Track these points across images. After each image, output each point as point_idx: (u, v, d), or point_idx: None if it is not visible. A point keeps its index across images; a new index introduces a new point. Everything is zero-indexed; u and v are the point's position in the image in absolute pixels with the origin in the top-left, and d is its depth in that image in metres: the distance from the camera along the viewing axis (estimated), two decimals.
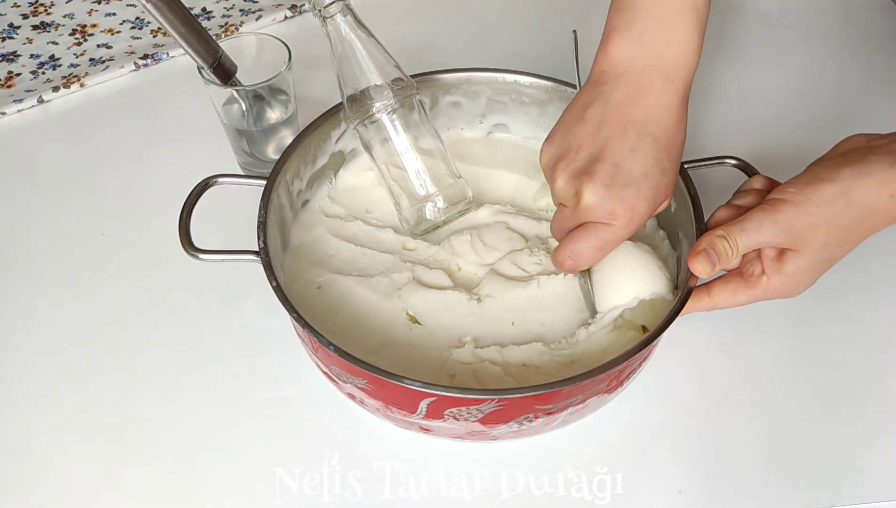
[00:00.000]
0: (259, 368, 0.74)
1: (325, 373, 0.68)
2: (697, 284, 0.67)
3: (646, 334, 0.66)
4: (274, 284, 0.65)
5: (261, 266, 0.66)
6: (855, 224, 0.62)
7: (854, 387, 0.72)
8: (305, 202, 0.79)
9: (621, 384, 0.67)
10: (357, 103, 0.73)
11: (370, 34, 0.72)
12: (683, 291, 0.66)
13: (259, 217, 0.69)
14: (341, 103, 0.75)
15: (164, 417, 0.71)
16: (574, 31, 0.73)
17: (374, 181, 0.80)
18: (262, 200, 0.70)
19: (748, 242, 0.64)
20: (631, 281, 0.68)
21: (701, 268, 0.65)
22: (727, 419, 0.71)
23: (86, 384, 0.73)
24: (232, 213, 0.78)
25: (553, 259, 0.68)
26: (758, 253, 0.66)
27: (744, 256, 0.66)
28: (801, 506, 0.66)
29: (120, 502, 0.67)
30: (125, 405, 0.72)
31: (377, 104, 0.73)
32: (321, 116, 0.77)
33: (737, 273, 0.67)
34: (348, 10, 0.71)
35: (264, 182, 0.72)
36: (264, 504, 0.66)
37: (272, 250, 0.68)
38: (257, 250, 0.67)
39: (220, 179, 0.72)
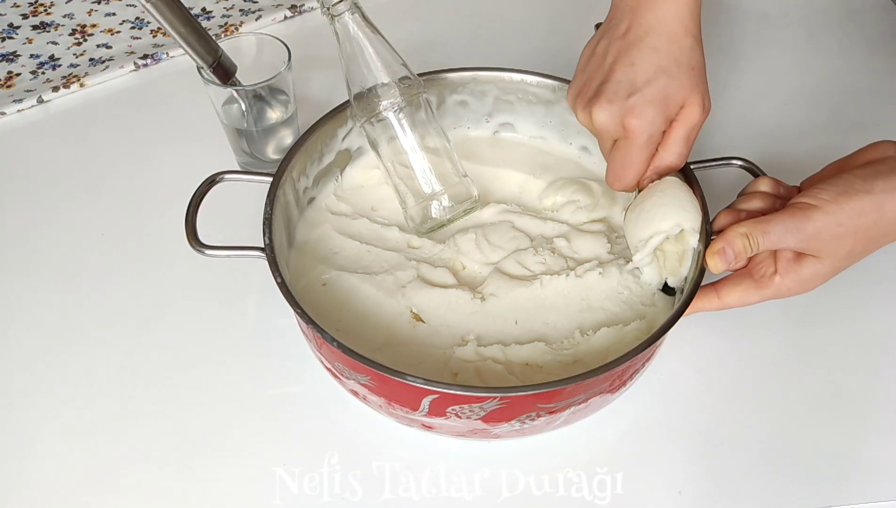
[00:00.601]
0: (259, 367, 0.74)
1: (328, 370, 0.68)
2: (704, 282, 0.67)
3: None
4: (279, 280, 0.65)
5: (263, 264, 0.66)
6: (880, 236, 0.63)
7: (855, 387, 0.72)
8: (311, 200, 0.79)
9: (624, 384, 0.67)
10: (364, 101, 0.74)
11: (378, 32, 0.73)
12: (687, 291, 0.66)
13: (265, 214, 0.69)
14: (348, 101, 0.75)
15: (164, 416, 0.71)
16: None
17: (381, 179, 0.80)
18: (268, 196, 0.70)
19: (769, 245, 0.64)
20: (675, 209, 0.67)
21: (715, 265, 0.65)
22: (727, 418, 0.71)
23: (86, 384, 0.73)
24: (235, 211, 0.78)
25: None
26: (772, 253, 0.65)
27: (754, 256, 0.66)
28: (801, 506, 0.66)
29: (120, 501, 0.66)
30: (125, 404, 0.71)
31: (384, 102, 0.73)
32: (327, 113, 0.77)
33: (746, 274, 0.67)
34: (356, 8, 0.71)
35: (270, 179, 0.72)
36: (264, 504, 0.66)
37: (277, 247, 0.68)
38: (262, 246, 0.67)
39: (227, 176, 0.72)
